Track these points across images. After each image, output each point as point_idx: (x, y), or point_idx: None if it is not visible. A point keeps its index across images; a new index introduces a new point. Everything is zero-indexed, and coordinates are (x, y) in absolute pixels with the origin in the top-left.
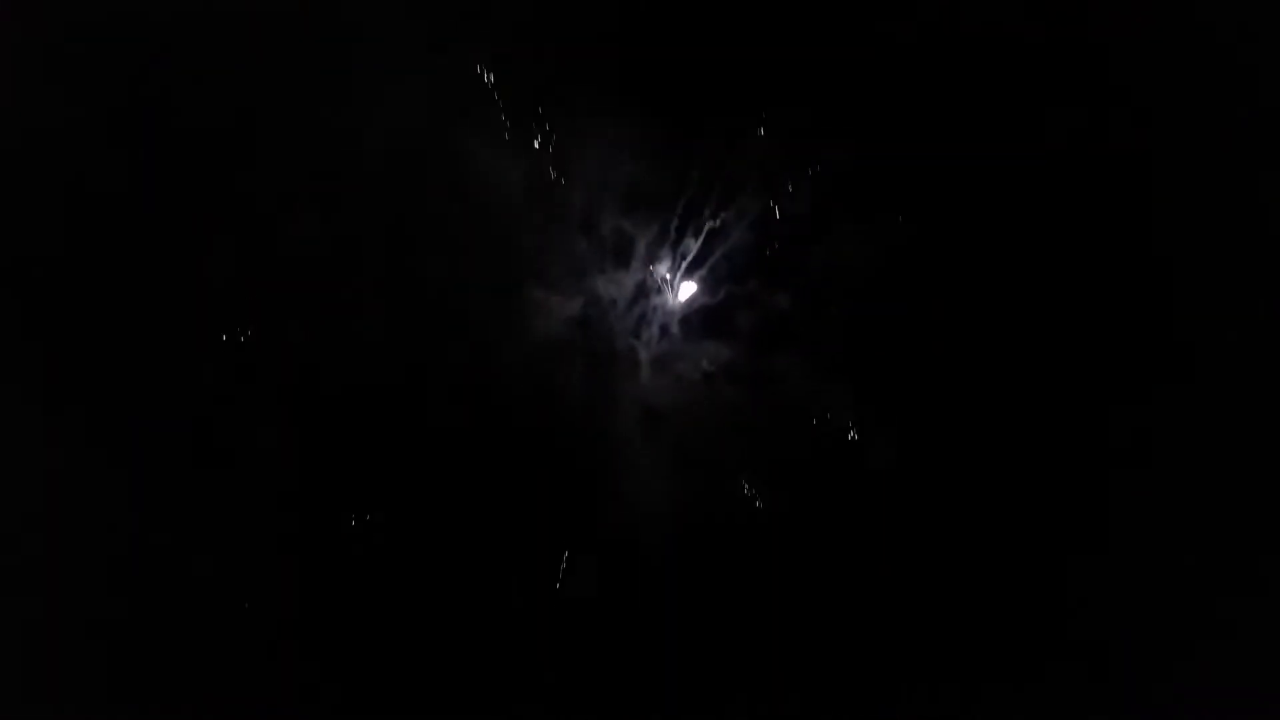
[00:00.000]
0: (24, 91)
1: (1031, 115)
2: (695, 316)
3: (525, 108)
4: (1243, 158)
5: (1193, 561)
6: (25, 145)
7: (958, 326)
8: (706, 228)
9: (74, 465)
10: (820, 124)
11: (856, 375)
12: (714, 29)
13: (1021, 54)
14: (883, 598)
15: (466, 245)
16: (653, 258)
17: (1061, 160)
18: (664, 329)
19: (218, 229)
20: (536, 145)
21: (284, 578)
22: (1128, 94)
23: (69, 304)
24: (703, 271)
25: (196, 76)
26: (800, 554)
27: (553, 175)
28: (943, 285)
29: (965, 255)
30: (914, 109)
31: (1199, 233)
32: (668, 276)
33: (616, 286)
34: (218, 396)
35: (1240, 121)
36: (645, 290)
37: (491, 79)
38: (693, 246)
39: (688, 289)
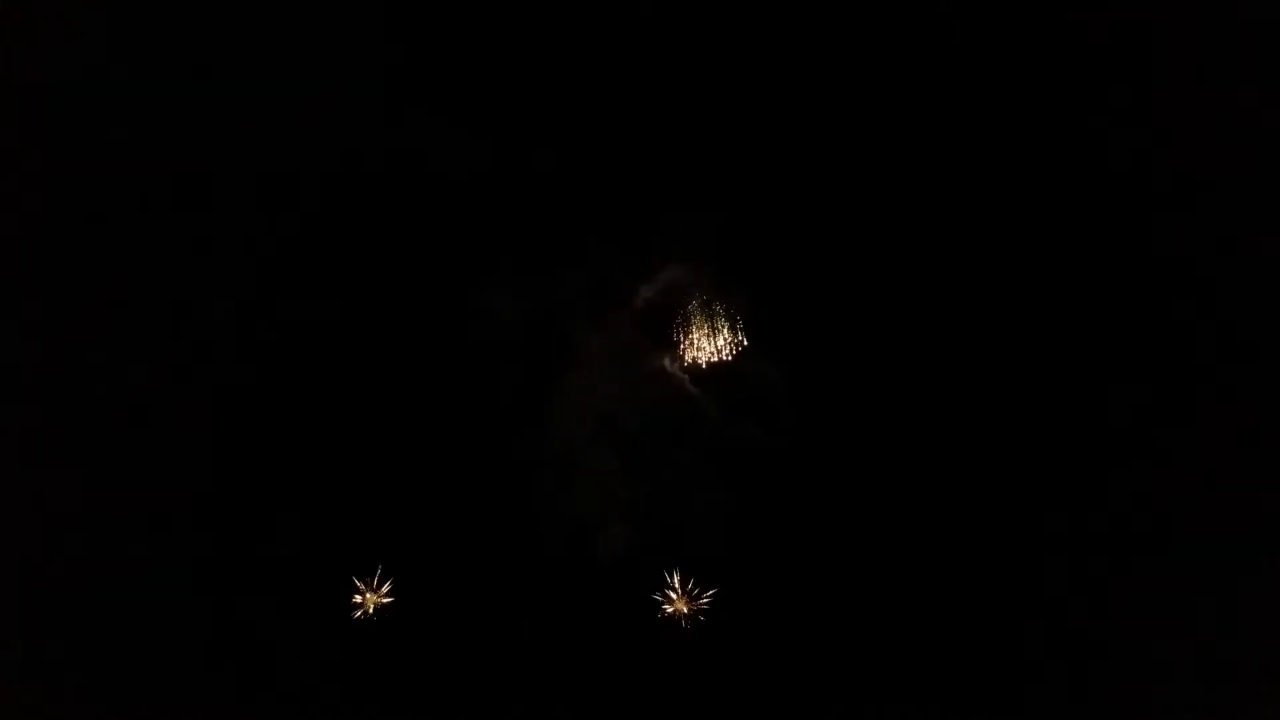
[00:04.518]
0: None
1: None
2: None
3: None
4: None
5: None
6: None
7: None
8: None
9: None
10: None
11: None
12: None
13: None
14: (845, 599)
15: (412, 242)
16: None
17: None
18: (621, 328)
19: (159, 224)
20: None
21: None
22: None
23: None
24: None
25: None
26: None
27: None
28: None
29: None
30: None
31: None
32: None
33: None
34: (152, 389)
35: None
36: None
37: None
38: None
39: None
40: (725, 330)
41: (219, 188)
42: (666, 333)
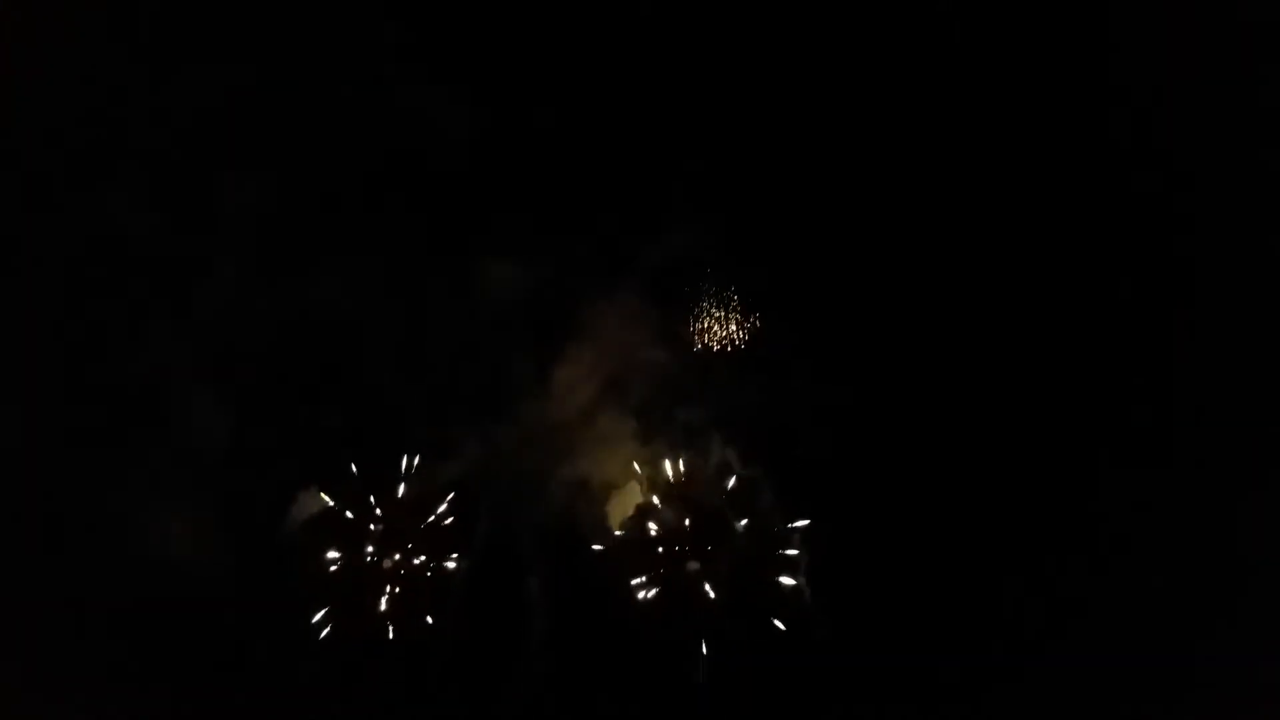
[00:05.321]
0: None
1: None
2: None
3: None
4: None
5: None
6: None
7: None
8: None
9: None
10: None
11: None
12: None
13: None
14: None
15: (417, 210)
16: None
17: None
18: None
19: (158, 198)
20: None
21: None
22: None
23: None
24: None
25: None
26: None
27: None
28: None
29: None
30: None
31: None
32: None
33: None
34: (155, 363)
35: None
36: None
37: None
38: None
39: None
40: (738, 315)
41: (216, 159)
42: (675, 296)
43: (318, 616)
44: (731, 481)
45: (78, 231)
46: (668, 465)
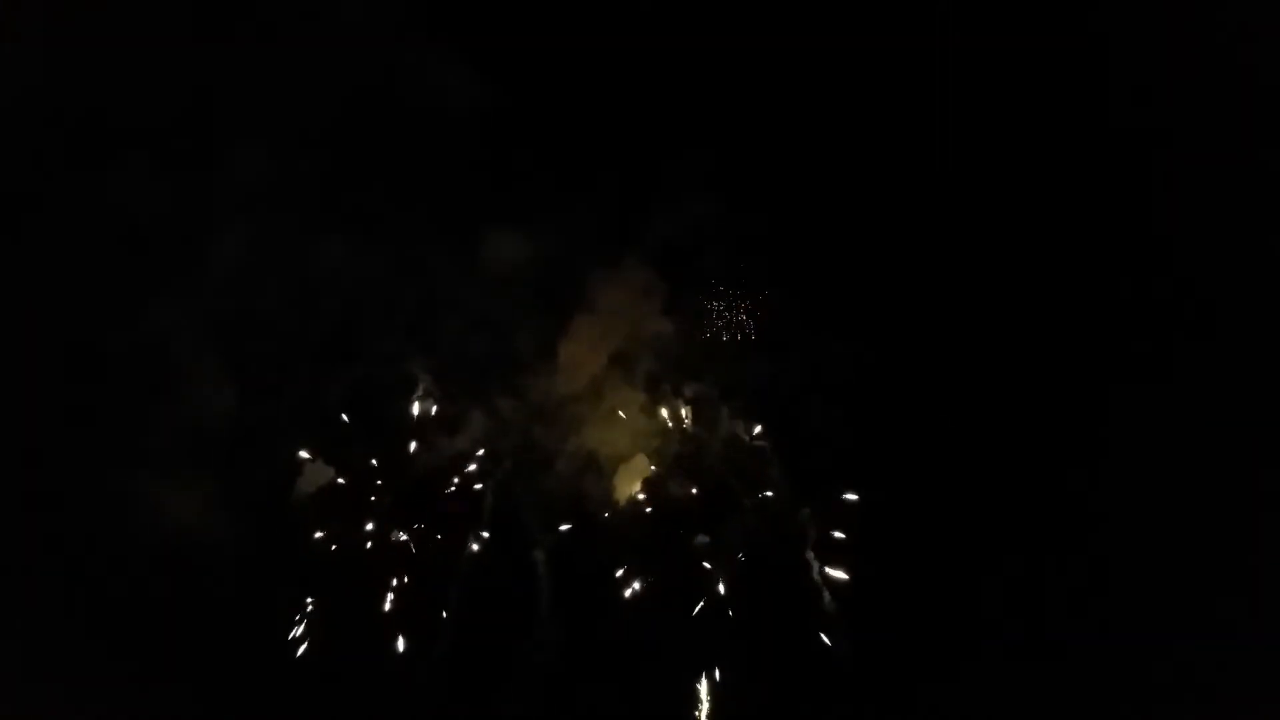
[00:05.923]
0: None
1: None
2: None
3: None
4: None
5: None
6: None
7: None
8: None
9: None
10: None
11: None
12: None
13: None
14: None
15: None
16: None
17: None
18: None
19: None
20: None
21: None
22: None
23: None
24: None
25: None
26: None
27: None
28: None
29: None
30: None
31: None
32: None
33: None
34: (158, 329)
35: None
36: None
37: None
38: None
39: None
40: (748, 302)
41: (220, 129)
42: (684, 269)
43: (305, 621)
44: (747, 441)
45: (80, 203)
46: (675, 436)
